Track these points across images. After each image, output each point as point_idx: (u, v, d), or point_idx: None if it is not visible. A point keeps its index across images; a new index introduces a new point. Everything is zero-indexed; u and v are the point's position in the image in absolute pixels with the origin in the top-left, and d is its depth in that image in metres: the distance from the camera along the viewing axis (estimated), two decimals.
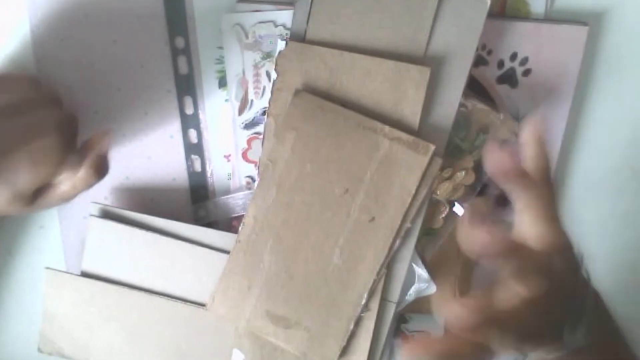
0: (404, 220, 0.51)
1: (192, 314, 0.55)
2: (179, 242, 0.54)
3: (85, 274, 0.56)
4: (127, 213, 0.55)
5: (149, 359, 0.56)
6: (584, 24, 0.53)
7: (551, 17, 0.53)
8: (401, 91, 0.50)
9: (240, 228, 0.53)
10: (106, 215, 0.55)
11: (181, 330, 0.56)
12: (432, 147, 0.50)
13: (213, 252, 0.54)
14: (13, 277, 0.61)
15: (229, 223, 0.57)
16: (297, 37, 0.51)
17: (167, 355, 0.56)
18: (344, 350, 0.53)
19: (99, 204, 0.56)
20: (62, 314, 0.56)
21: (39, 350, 0.57)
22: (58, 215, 0.58)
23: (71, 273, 0.57)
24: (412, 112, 0.50)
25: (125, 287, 0.55)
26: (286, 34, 0.51)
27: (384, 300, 0.53)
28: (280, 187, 0.52)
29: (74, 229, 0.58)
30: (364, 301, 0.52)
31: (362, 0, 0.49)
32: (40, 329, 0.57)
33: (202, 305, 0.55)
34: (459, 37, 0.49)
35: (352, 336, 0.53)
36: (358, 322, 0.53)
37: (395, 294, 0.53)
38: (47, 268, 0.56)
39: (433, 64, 0.50)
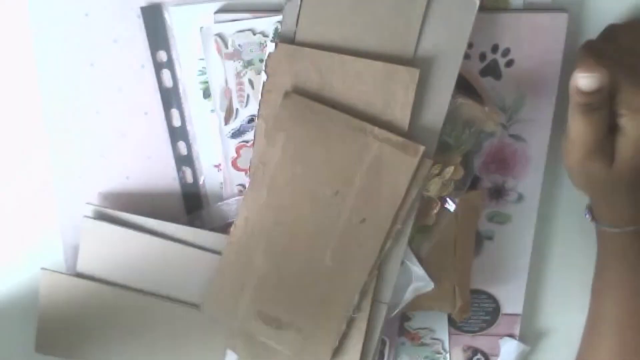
0: (394, 222, 0.51)
1: (185, 314, 0.56)
2: (172, 243, 0.55)
3: (80, 275, 0.56)
4: (120, 214, 0.56)
5: (143, 358, 0.57)
6: (564, 10, 0.53)
7: (530, 6, 0.52)
8: (391, 92, 0.50)
9: (231, 229, 0.53)
10: (100, 216, 0.56)
11: (174, 330, 0.56)
12: (422, 149, 0.49)
13: (206, 253, 0.55)
14: (12, 277, 0.62)
15: (224, 230, 0.56)
16: (286, 39, 0.51)
17: (161, 356, 0.57)
18: (336, 351, 0.53)
19: (93, 205, 0.56)
20: (57, 314, 0.57)
21: (36, 350, 0.58)
22: (58, 215, 0.59)
23: (66, 274, 0.57)
24: (401, 114, 0.50)
25: (119, 287, 0.56)
26: (265, 41, 0.51)
27: (375, 301, 0.53)
28: (271, 188, 0.52)
29: (73, 229, 0.59)
30: (355, 302, 0.52)
31: (352, 1, 0.49)
32: (37, 328, 0.58)
33: (195, 305, 0.55)
34: (448, 37, 0.49)
35: (344, 337, 0.53)
36: (350, 323, 0.53)
37: (387, 295, 0.53)
38: (43, 269, 0.57)
39: (422, 65, 0.49)
